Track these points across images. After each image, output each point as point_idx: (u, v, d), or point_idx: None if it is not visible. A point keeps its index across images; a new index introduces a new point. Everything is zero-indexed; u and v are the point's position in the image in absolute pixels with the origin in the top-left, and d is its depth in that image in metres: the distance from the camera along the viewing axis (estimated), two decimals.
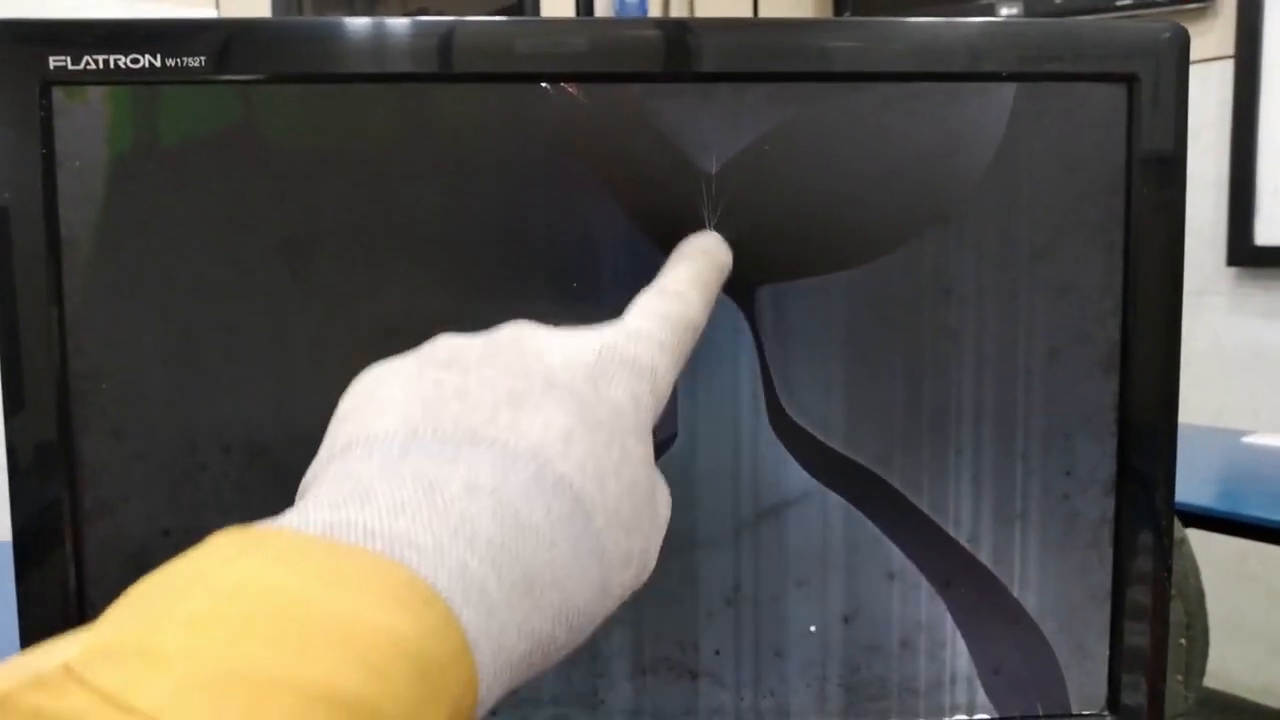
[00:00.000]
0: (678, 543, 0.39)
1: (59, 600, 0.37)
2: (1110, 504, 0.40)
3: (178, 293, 0.37)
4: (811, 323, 0.38)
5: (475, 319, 0.37)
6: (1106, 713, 0.41)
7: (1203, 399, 1.87)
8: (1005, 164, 0.39)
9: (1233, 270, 1.91)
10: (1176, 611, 0.96)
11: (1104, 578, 0.40)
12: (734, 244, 0.38)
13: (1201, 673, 0.99)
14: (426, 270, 0.37)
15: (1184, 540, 0.97)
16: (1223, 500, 1.17)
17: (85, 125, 0.36)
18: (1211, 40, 1.99)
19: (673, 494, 0.38)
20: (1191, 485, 1.21)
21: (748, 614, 0.39)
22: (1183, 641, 0.96)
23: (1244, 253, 1.88)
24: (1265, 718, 1.61)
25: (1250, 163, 1.90)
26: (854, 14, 2.19)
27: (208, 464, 0.37)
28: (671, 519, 0.38)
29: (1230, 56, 1.95)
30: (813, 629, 0.39)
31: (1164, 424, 0.40)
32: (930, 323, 0.39)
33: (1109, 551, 0.40)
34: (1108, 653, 0.40)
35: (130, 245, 0.36)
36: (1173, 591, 0.95)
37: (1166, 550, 0.41)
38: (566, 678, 0.39)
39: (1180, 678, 0.97)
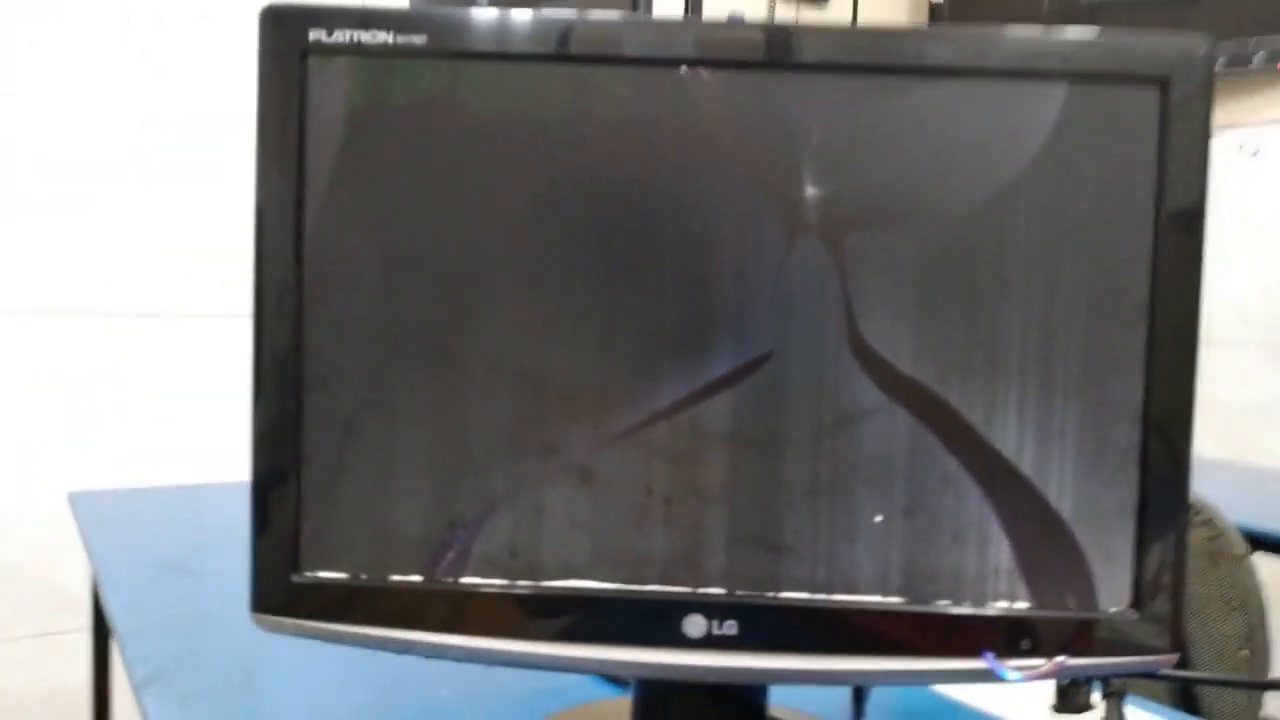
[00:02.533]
0: (768, 441, 0.47)
1: (284, 452, 0.48)
2: (1137, 434, 0.47)
3: (391, 217, 0.47)
4: (888, 266, 0.47)
5: (615, 250, 0.47)
6: (1131, 611, 0.48)
7: None
8: (1056, 148, 0.47)
9: None
10: (1239, 624, 1.00)
11: (1131, 495, 0.48)
12: (828, 200, 0.47)
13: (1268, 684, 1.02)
14: (586, 207, 0.47)
15: (1246, 556, 1.01)
16: None
17: (332, 86, 0.47)
18: None
19: (765, 401, 0.47)
20: (1273, 517, 1.24)
21: (824, 503, 0.47)
22: (1245, 653, 1.00)
23: None
24: None
25: None
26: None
27: (403, 351, 0.48)
28: (762, 421, 0.47)
29: None
30: (878, 519, 0.47)
31: (1184, 370, 0.47)
32: (987, 273, 0.47)
33: (1135, 474, 0.48)
34: (1132, 559, 0.48)
35: (357, 178, 0.47)
36: (1234, 604, 1.00)
37: (1185, 476, 0.48)
38: (673, 543, 0.47)
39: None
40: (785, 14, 2.41)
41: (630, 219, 0.47)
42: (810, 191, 0.47)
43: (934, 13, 2.44)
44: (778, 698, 0.63)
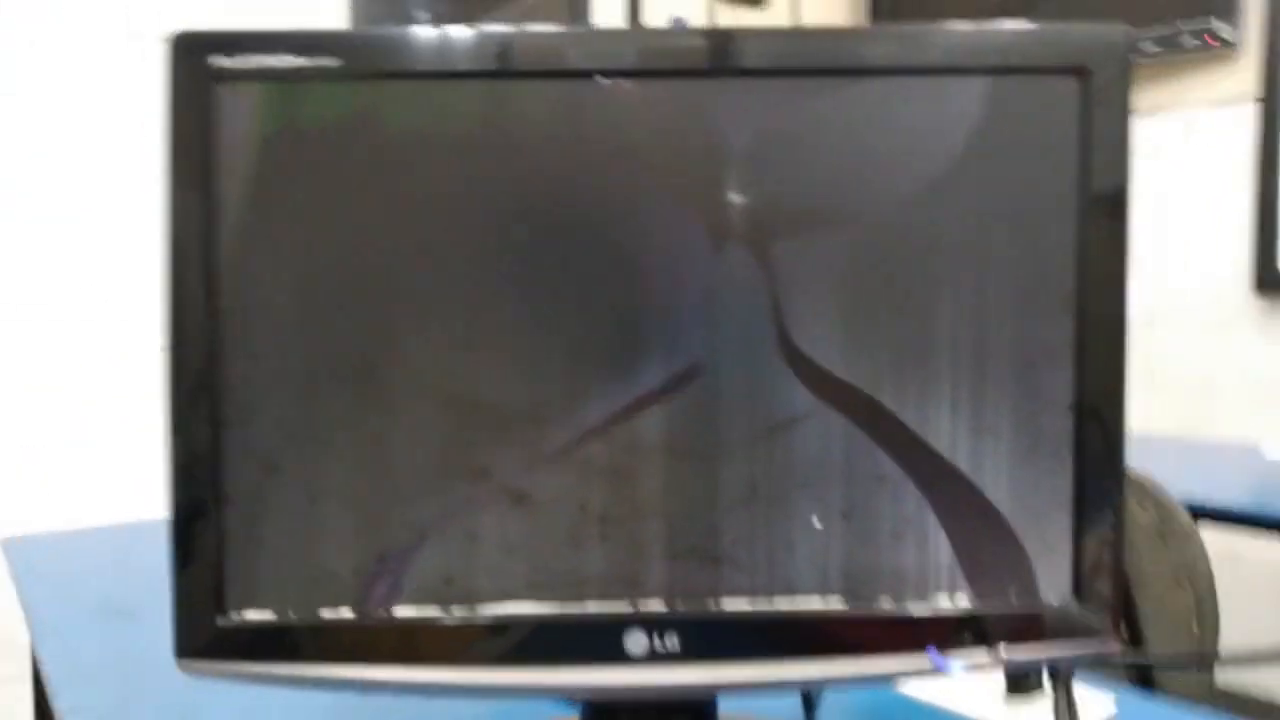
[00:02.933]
0: (704, 450, 0.47)
1: (203, 491, 0.46)
2: (1070, 422, 0.47)
3: (307, 244, 0.46)
4: (817, 270, 0.47)
5: (539, 267, 0.46)
6: (1072, 599, 0.48)
7: (1232, 420, 1.91)
8: (980, 142, 0.47)
9: (1259, 298, 1.96)
10: (1187, 598, 1.02)
11: (1066, 484, 0.48)
12: (753, 206, 0.46)
13: (1213, 658, 1.03)
14: (501, 227, 0.46)
15: (1194, 531, 1.02)
16: (1241, 501, 1.22)
17: (241, 112, 0.45)
18: (1237, 82, 2.06)
19: (698, 412, 0.47)
20: (1211, 489, 1.27)
21: (761, 510, 0.47)
22: (1195, 630, 1.01)
23: (1270, 280, 1.93)
24: None
25: (1274, 195, 1.96)
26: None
27: (324, 383, 0.46)
28: (696, 432, 0.47)
29: (1258, 99, 2.01)
30: (816, 523, 0.47)
31: (1114, 356, 0.47)
32: (916, 271, 0.47)
33: (1070, 462, 0.48)
34: (1071, 548, 0.48)
35: (271, 204, 0.46)
36: (1183, 580, 1.01)
37: (1120, 464, 0.48)
38: (611, 560, 0.47)
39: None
40: (725, 18, 2.43)
41: (554, 234, 0.46)
42: (735, 199, 0.46)
43: (876, 11, 2.46)
44: (729, 704, 0.63)
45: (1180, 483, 1.17)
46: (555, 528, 0.47)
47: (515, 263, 0.46)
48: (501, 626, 0.46)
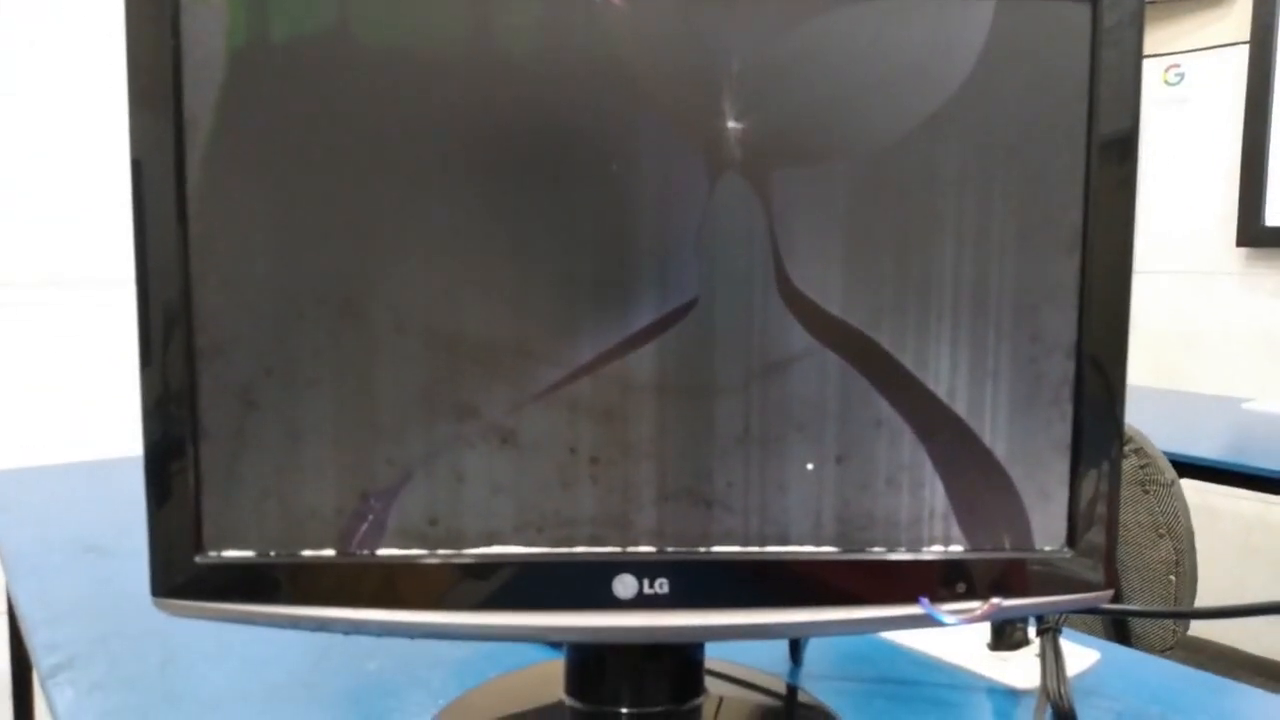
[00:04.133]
0: (697, 390, 0.45)
1: (179, 426, 0.44)
2: (1071, 367, 0.46)
3: (282, 167, 0.44)
4: (816, 203, 0.45)
5: (528, 195, 0.44)
6: (1066, 549, 0.47)
7: (1213, 373, 1.91)
8: (986, 71, 0.45)
9: (1242, 251, 1.96)
10: (1166, 549, 1.02)
11: (1065, 431, 0.47)
12: (751, 134, 0.44)
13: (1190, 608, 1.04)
14: (488, 151, 0.44)
15: (1175, 482, 1.02)
16: (1218, 453, 1.23)
17: (207, 22, 0.43)
18: (1228, 26, 2.03)
19: (691, 351, 0.45)
20: (1193, 442, 1.27)
21: (755, 453, 0.46)
22: (1172, 578, 1.02)
23: (1254, 233, 1.93)
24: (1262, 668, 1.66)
25: (1262, 145, 1.95)
26: None
27: (304, 313, 0.44)
28: (689, 371, 0.45)
29: (1245, 42, 1.99)
30: (810, 467, 0.46)
31: (1118, 297, 0.46)
32: (917, 206, 0.45)
33: (1069, 409, 0.47)
34: (1067, 496, 0.47)
35: (242, 124, 0.43)
36: (1163, 530, 1.01)
37: (1119, 411, 0.47)
38: (601, 502, 0.45)
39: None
40: None
41: (542, 161, 0.44)
42: (733, 125, 0.44)
43: None
44: (714, 650, 0.62)
45: (1161, 435, 1.17)
46: (544, 468, 0.45)
47: (500, 191, 0.44)
48: (487, 568, 0.45)
